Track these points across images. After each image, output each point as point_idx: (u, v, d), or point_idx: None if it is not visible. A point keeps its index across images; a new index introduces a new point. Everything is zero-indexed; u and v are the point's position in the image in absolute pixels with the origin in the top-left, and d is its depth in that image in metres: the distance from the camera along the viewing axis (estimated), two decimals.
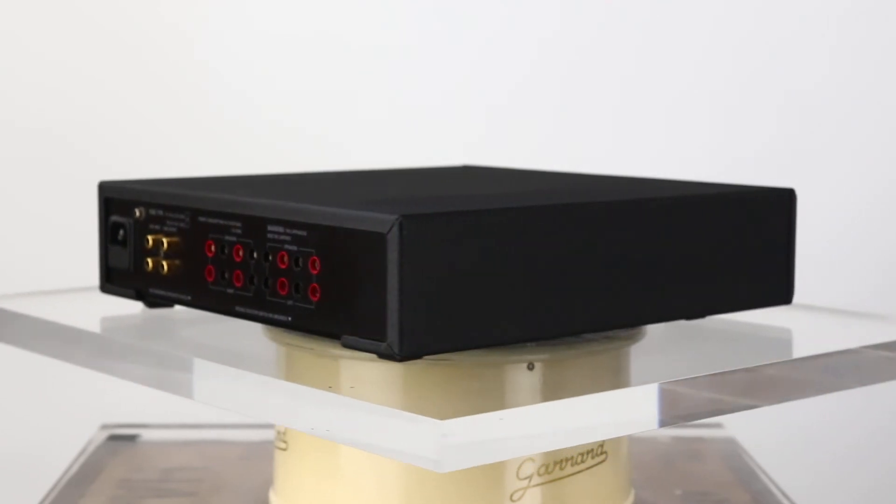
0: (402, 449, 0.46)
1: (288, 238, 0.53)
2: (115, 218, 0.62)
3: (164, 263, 0.59)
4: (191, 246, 0.58)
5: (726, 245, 0.57)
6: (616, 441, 0.60)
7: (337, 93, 1.08)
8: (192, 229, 0.58)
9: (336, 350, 0.55)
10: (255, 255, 0.54)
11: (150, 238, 0.59)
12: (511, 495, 0.56)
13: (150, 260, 0.60)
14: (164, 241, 0.59)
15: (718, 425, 0.85)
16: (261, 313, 0.54)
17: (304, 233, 0.52)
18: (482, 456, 0.47)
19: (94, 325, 0.65)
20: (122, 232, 0.61)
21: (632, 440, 0.63)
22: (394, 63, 1.08)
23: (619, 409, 0.50)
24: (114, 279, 0.62)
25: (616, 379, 0.58)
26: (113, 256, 0.62)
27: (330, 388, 0.51)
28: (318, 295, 0.51)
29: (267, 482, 0.67)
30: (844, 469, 1.10)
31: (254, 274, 0.54)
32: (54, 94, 1.07)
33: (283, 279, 0.53)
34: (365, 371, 0.55)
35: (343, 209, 0.50)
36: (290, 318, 0.53)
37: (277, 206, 0.53)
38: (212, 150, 1.08)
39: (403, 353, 0.48)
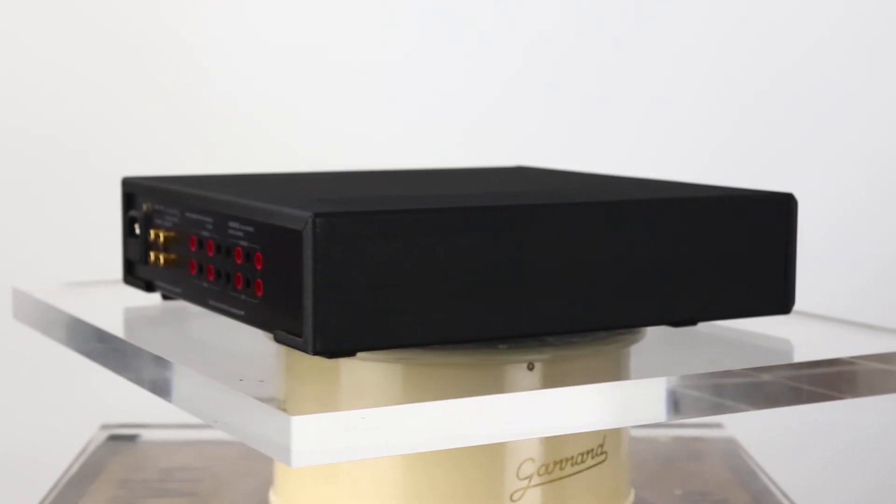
0: (266, 441, 0.47)
1: (241, 234, 0.53)
2: (131, 212, 0.64)
3: (162, 257, 0.60)
4: (181, 240, 0.59)
5: (714, 251, 0.56)
6: (616, 441, 0.60)
7: (339, 93, 1.08)
8: (181, 224, 0.59)
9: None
10: (220, 250, 0.55)
11: (152, 232, 0.61)
12: (511, 495, 0.56)
13: (152, 253, 0.61)
14: (162, 235, 0.60)
15: (718, 425, 0.85)
16: (224, 307, 0.55)
17: (252, 229, 0.52)
18: (336, 453, 0.46)
19: (104, 318, 0.66)
20: (136, 226, 0.63)
21: (632, 440, 0.63)
22: (394, 63, 1.08)
23: (484, 414, 0.49)
24: (132, 271, 0.64)
25: (617, 377, 0.58)
26: (129, 249, 0.64)
27: (241, 381, 0.52)
28: (261, 290, 0.52)
29: (267, 482, 0.67)
30: (844, 469, 1.10)
31: (220, 268, 0.56)
32: (56, 95, 1.07)
33: (239, 274, 0.54)
34: (365, 371, 0.55)
35: (273, 206, 0.51)
36: (243, 313, 0.54)
37: (236, 204, 0.54)
38: (217, 150, 1.08)
39: (317, 349, 0.48)
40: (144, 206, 0.62)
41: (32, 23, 1.06)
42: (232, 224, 0.54)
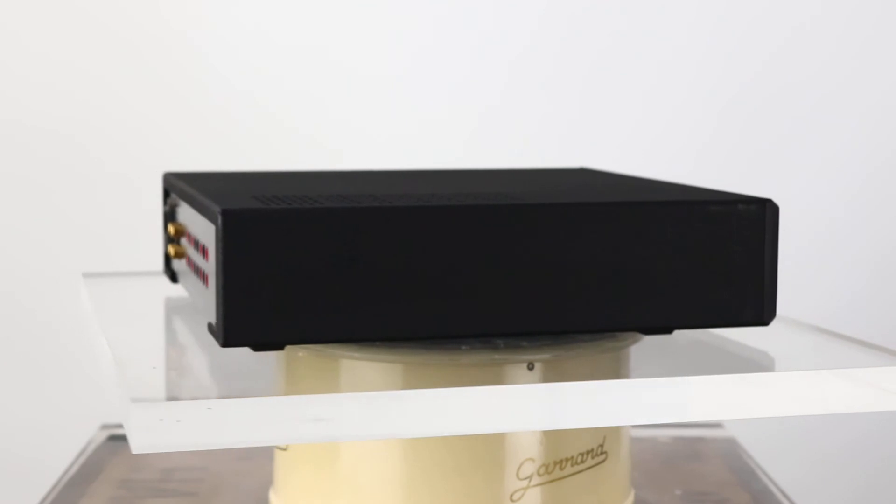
0: (127, 426, 0.48)
1: (201, 229, 0.55)
2: (165, 207, 0.67)
3: (174, 250, 0.62)
4: (183, 235, 0.61)
5: (686, 257, 0.53)
6: (616, 441, 0.60)
7: (341, 93, 1.08)
8: (184, 219, 0.61)
9: (336, 350, 0.55)
10: (196, 245, 0.57)
11: (170, 226, 0.63)
12: (511, 495, 0.56)
13: (171, 247, 0.63)
14: (174, 229, 0.62)
15: (718, 425, 0.85)
16: (200, 300, 0.56)
17: (205, 224, 0.53)
18: (176, 441, 0.47)
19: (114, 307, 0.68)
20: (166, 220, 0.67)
21: (632, 440, 0.63)
22: (394, 63, 1.09)
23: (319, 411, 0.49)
24: (167, 263, 0.67)
25: (617, 377, 0.58)
26: (165, 243, 0.66)
27: (154, 368, 0.54)
28: (208, 284, 0.53)
29: (267, 482, 0.67)
30: (844, 469, 1.10)
31: (197, 263, 0.57)
32: (62, 93, 1.07)
33: (202, 269, 0.55)
34: (365, 371, 0.55)
35: (208, 201, 0.52)
36: (202, 305, 0.55)
37: (198, 200, 0.55)
38: (234, 148, 1.08)
39: (226, 342, 0.49)
40: (168, 202, 0.65)
41: (37, 23, 1.07)
42: (197, 219, 0.56)
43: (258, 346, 0.50)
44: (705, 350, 0.60)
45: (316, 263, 0.49)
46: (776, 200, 0.55)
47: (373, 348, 0.55)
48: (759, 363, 0.59)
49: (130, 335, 0.63)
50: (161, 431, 0.47)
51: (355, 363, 0.55)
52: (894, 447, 1.10)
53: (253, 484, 0.72)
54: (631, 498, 0.62)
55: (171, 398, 0.48)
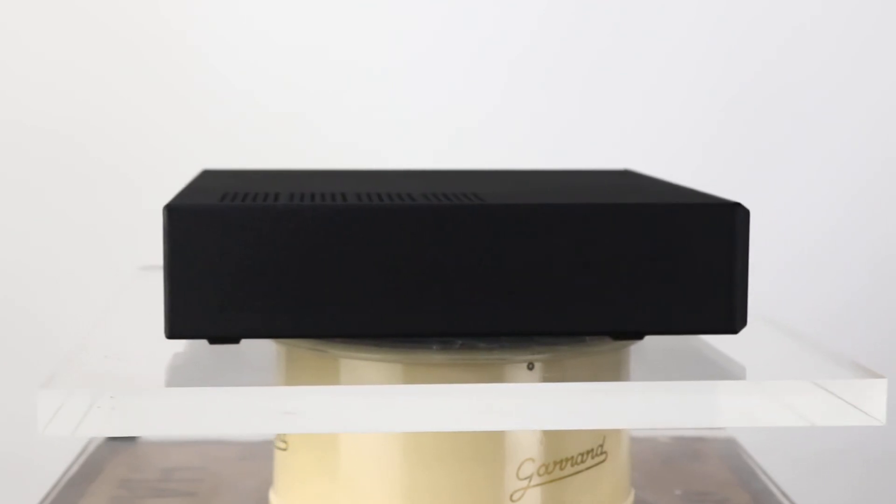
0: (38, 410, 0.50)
1: None
2: None
3: None
4: None
5: (651, 262, 0.52)
6: (616, 441, 0.60)
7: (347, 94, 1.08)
8: None
9: (336, 350, 0.55)
10: None
11: None
12: (511, 495, 0.56)
13: None
14: None
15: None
16: None
17: None
18: (84, 429, 0.49)
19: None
20: None
21: (632, 440, 0.63)
22: (394, 63, 1.08)
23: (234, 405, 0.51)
24: None
25: (617, 377, 0.58)
26: None
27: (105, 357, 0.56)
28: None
29: (267, 482, 0.67)
30: (845, 469, 1.10)
31: None
32: (62, 94, 1.07)
33: None
34: (366, 371, 0.55)
35: (177, 195, 0.54)
36: None
37: (182, 193, 0.56)
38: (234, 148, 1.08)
39: (170, 334, 0.51)
40: None
41: (37, 23, 1.07)
42: None
43: (213, 340, 0.51)
44: (697, 355, 0.60)
45: (255, 260, 0.51)
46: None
47: (362, 346, 0.55)
48: (730, 371, 0.58)
49: (124, 328, 0.64)
50: (64, 419, 0.49)
51: (356, 364, 0.55)
52: (894, 447, 1.10)
53: (253, 484, 0.72)
54: (631, 498, 0.62)
55: (74, 386, 0.50)
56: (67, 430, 0.50)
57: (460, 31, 1.08)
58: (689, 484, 0.73)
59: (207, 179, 0.63)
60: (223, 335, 0.51)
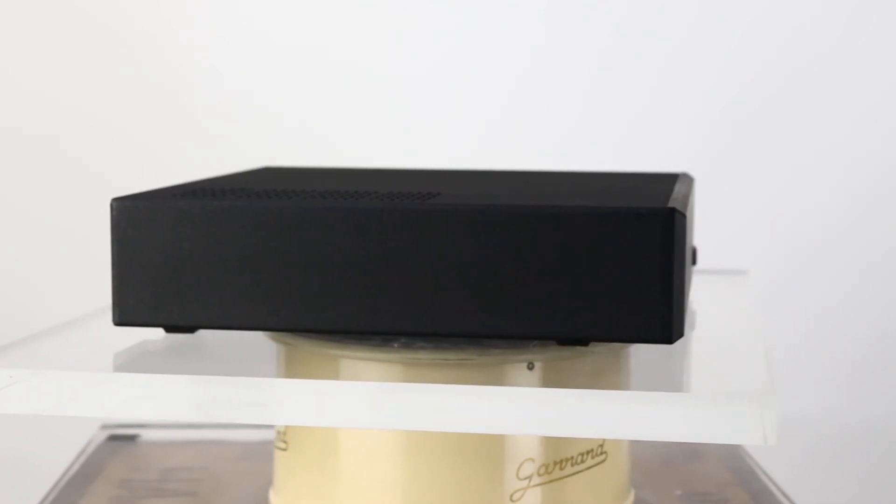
0: None
1: None
2: None
3: None
4: None
5: (584, 268, 0.51)
6: (616, 441, 0.60)
7: (340, 92, 1.08)
8: None
9: (336, 350, 0.55)
10: None
11: None
12: (511, 495, 0.57)
13: None
14: None
15: None
16: None
17: None
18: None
19: None
20: None
21: (632, 440, 0.63)
22: (394, 62, 1.09)
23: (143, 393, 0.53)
24: None
25: (616, 378, 0.58)
26: None
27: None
28: None
29: (267, 482, 0.67)
30: (845, 469, 1.10)
31: None
32: (56, 100, 1.07)
33: None
34: (366, 370, 0.55)
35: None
36: None
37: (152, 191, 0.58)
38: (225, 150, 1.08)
39: (119, 321, 0.54)
40: None
41: (34, 27, 1.07)
42: None
43: (169, 328, 0.54)
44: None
45: (194, 254, 0.53)
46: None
47: (360, 345, 0.55)
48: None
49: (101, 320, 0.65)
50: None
51: (356, 364, 0.55)
52: (894, 446, 1.10)
53: (253, 484, 0.73)
54: (631, 498, 0.62)
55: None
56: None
57: (459, 32, 1.09)
58: (689, 484, 0.73)
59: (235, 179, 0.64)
60: (172, 324, 0.54)
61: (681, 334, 0.52)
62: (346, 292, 0.52)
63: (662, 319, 0.51)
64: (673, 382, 0.56)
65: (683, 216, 0.51)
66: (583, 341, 0.52)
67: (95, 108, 1.07)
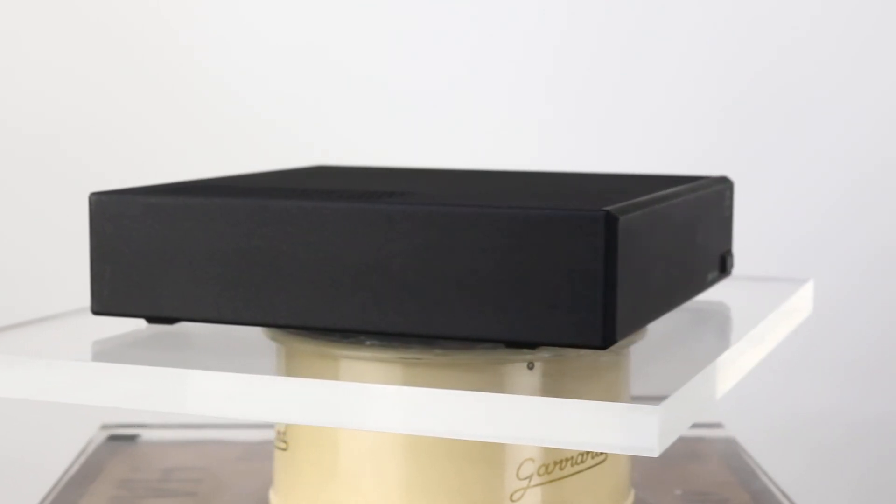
0: None
1: None
2: None
3: None
4: None
5: (523, 272, 0.50)
6: None
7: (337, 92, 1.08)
8: None
9: (336, 350, 0.55)
10: None
11: None
12: (511, 495, 0.57)
13: None
14: None
15: (718, 425, 0.85)
16: None
17: None
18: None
19: None
20: None
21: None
22: (394, 63, 1.09)
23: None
24: None
25: (616, 378, 0.58)
26: None
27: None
28: None
29: (267, 482, 0.67)
30: (845, 469, 1.10)
31: None
32: (56, 100, 1.07)
33: None
34: (366, 370, 0.55)
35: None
36: None
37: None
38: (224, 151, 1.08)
39: (93, 309, 0.57)
40: None
41: (32, 27, 1.07)
42: None
43: (150, 319, 0.56)
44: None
45: (164, 247, 0.55)
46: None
47: (358, 344, 0.55)
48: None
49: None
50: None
51: (355, 364, 0.55)
52: (894, 446, 1.10)
53: (253, 484, 0.73)
54: (631, 498, 0.62)
55: None
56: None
57: (460, 31, 1.09)
58: (689, 484, 0.74)
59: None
60: (147, 314, 0.56)
61: (614, 340, 0.50)
62: (309, 287, 0.53)
63: (599, 325, 0.49)
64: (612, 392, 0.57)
65: (616, 218, 0.50)
66: (530, 345, 0.51)
67: (95, 108, 1.07)
